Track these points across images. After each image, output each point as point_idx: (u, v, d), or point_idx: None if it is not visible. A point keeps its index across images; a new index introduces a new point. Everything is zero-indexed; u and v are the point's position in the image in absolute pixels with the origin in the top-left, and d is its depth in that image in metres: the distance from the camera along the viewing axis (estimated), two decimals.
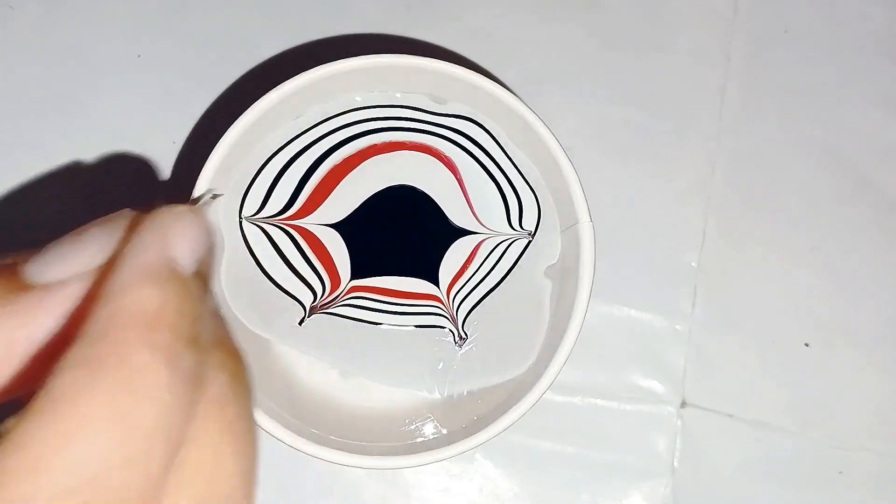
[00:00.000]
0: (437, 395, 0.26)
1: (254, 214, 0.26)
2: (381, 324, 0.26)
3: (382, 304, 0.26)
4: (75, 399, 0.11)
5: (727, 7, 0.32)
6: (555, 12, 0.32)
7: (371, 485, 0.29)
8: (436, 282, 0.26)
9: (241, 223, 0.26)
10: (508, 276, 0.26)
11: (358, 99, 0.26)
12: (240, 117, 0.24)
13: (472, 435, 0.24)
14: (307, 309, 0.26)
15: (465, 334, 0.26)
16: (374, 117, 0.26)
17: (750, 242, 0.31)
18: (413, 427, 0.26)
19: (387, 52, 0.25)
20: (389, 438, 0.25)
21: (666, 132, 0.31)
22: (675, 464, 0.29)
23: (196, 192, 0.24)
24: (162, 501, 0.11)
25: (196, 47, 0.31)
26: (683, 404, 0.30)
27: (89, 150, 0.30)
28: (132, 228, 0.13)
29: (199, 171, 0.24)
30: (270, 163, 0.26)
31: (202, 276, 0.13)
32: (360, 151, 0.26)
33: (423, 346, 0.26)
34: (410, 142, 0.26)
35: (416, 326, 0.26)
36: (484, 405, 0.25)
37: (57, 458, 0.10)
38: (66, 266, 0.13)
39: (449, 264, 0.26)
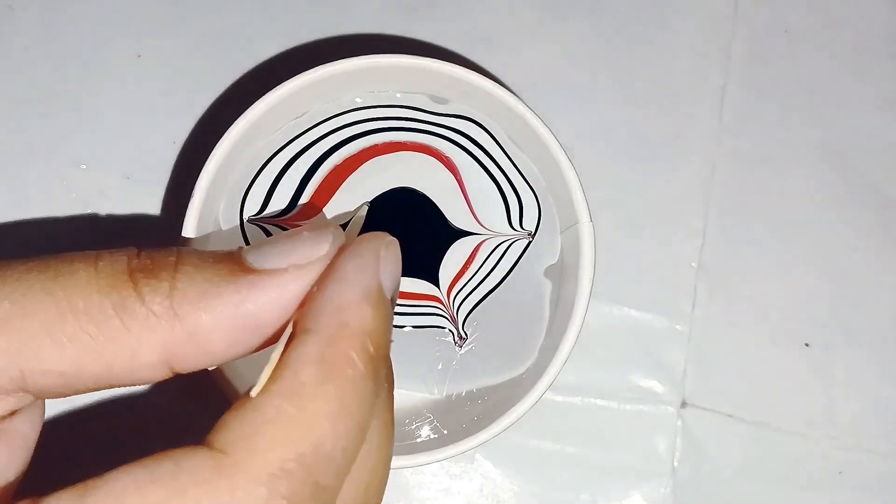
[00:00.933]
0: (437, 395, 0.26)
1: (255, 215, 0.26)
2: None
3: None
4: (315, 390, 0.14)
5: (727, 7, 0.32)
6: (555, 12, 0.32)
7: None
8: (436, 282, 0.26)
9: (242, 223, 0.26)
10: (508, 277, 0.26)
11: (358, 99, 0.26)
12: (240, 117, 0.24)
13: (472, 435, 0.24)
14: None
15: (465, 334, 0.26)
16: (374, 117, 0.26)
17: (750, 242, 0.31)
18: (413, 427, 0.26)
19: (387, 52, 0.25)
20: None
21: (666, 132, 0.31)
22: (675, 464, 0.29)
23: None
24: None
25: (196, 47, 0.31)
26: (683, 404, 0.30)
27: (89, 150, 0.30)
28: (341, 249, 0.16)
29: (200, 172, 0.24)
30: (271, 163, 0.26)
31: (393, 302, 0.16)
32: (360, 152, 0.26)
33: (423, 346, 0.26)
34: (410, 142, 0.26)
35: (416, 327, 0.26)
36: (484, 405, 0.26)
37: (298, 433, 0.14)
38: (284, 258, 0.16)
39: (449, 265, 0.26)
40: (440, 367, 0.26)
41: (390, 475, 0.29)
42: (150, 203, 0.30)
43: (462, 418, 0.25)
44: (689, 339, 0.30)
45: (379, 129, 0.26)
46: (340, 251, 0.16)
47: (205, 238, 0.24)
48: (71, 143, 0.30)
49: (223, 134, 0.24)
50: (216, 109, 0.30)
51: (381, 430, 0.16)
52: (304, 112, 0.26)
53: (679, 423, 0.30)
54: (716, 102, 0.31)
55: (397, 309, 0.26)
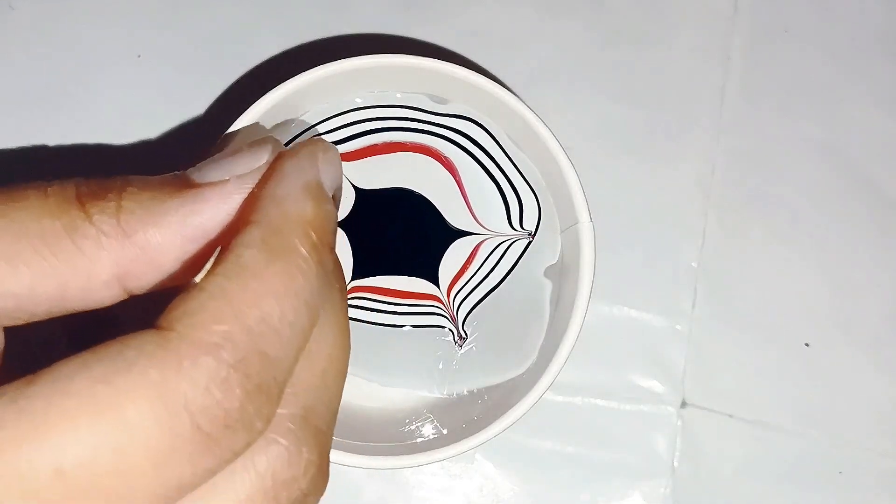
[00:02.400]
0: (437, 395, 0.26)
1: None
2: (381, 324, 0.26)
3: (382, 304, 0.26)
4: (258, 270, 0.14)
5: (727, 6, 0.32)
6: (555, 12, 0.32)
7: (371, 485, 0.29)
8: (436, 282, 0.26)
9: None
10: (508, 277, 0.26)
11: (358, 99, 0.26)
12: (240, 117, 0.24)
13: (472, 435, 0.24)
14: None
15: (465, 334, 0.26)
16: (374, 117, 0.26)
17: (750, 242, 0.31)
18: (413, 427, 0.26)
19: (387, 52, 0.25)
20: (389, 438, 0.25)
21: (666, 131, 0.31)
22: (675, 464, 0.29)
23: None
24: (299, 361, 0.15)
25: (196, 47, 0.31)
26: (683, 404, 0.30)
27: (89, 150, 0.30)
28: (279, 155, 0.17)
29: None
30: None
31: (335, 199, 0.17)
32: (359, 151, 0.26)
33: (423, 346, 0.26)
34: (410, 142, 0.26)
35: (416, 326, 0.26)
36: (484, 405, 0.26)
37: (242, 306, 0.14)
38: (225, 170, 0.16)
39: (449, 264, 0.26)
40: (440, 366, 0.26)
41: (390, 474, 0.29)
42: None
43: (462, 418, 0.25)
44: (688, 339, 0.30)
45: (378, 129, 0.26)
46: (279, 157, 0.17)
47: None
48: (71, 143, 0.30)
49: (223, 134, 0.24)
50: (216, 109, 0.30)
51: (334, 320, 0.16)
52: (304, 112, 0.26)
53: (679, 423, 0.30)
54: (716, 102, 0.31)
55: (397, 308, 0.26)
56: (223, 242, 0.16)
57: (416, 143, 0.26)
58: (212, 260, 0.15)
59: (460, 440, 0.24)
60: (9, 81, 0.30)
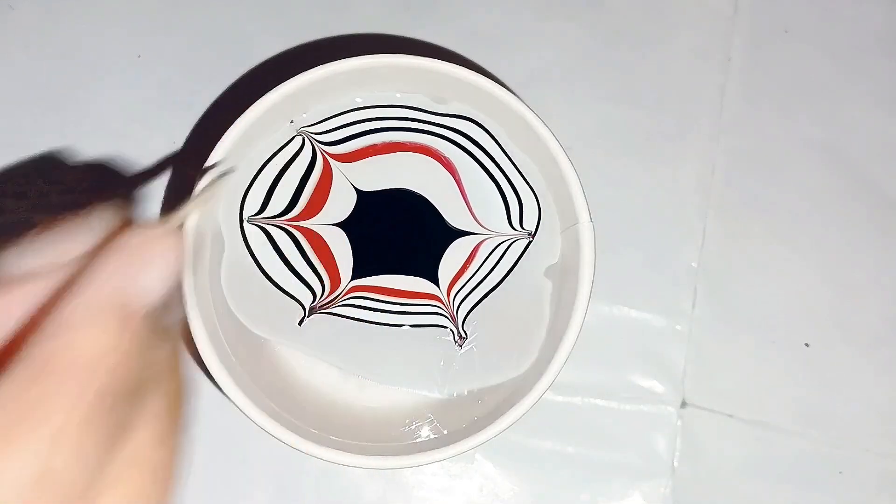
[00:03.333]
0: (437, 395, 0.26)
1: (255, 215, 0.26)
2: (381, 323, 0.26)
3: (382, 304, 0.26)
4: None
5: (727, 6, 0.32)
6: (555, 12, 0.32)
7: (371, 485, 0.29)
8: (436, 281, 0.26)
9: (241, 223, 0.26)
10: (508, 276, 0.26)
11: (358, 99, 0.26)
12: (240, 117, 0.24)
13: (472, 435, 0.24)
14: (307, 309, 0.26)
15: (465, 334, 0.26)
16: (374, 117, 0.26)
17: (750, 242, 0.31)
18: (413, 427, 0.26)
19: (387, 52, 0.25)
20: (389, 438, 0.25)
21: (666, 132, 0.31)
22: (675, 464, 0.29)
23: (199, 185, 0.23)
24: None
25: (196, 47, 0.31)
26: (683, 404, 0.30)
27: (89, 150, 0.30)
28: (112, 235, 0.13)
29: (199, 171, 0.24)
30: (271, 163, 0.26)
31: (165, 308, 0.13)
32: (359, 151, 0.26)
33: (423, 346, 0.26)
34: (410, 142, 0.26)
35: (416, 326, 0.26)
36: (484, 405, 0.25)
37: None
38: (38, 258, 0.13)
39: (449, 264, 0.26)
40: (440, 366, 0.26)
41: (390, 474, 0.29)
42: (150, 203, 0.30)
43: (462, 418, 0.25)
44: (689, 339, 0.30)
45: (378, 128, 0.26)
46: (99, 248, 0.13)
47: (203, 238, 0.24)
48: (71, 143, 0.30)
49: (223, 134, 0.24)
50: (216, 109, 0.30)
51: (135, 447, 0.12)
52: (304, 112, 0.26)
53: (679, 423, 0.30)
54: (716, 102, 0.31)
55: (397, 308, 0.26)
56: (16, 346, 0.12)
57: (415, 143, 0.26)
58: None
59: (460, 440, 0.24)
60: (9, 81, 0.30)
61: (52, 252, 0.13)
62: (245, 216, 0.26)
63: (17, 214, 0.29)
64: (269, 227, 0.26)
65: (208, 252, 0.25)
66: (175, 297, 0.13)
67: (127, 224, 0.13)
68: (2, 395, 0.11)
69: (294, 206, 0.26)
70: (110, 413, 0.11)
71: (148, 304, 0.13)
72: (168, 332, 0.13)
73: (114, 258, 0.13)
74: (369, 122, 0.26)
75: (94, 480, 0.11)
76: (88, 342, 0.11)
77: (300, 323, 0.26)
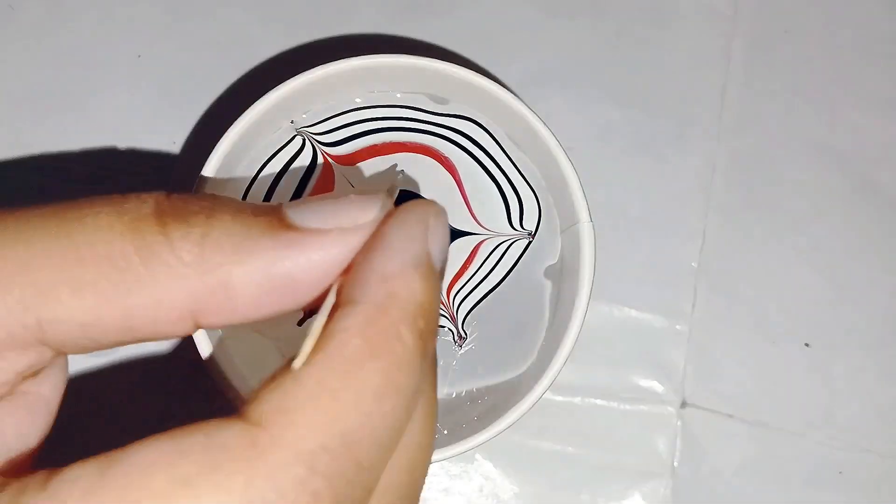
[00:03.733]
0: (436, 395, 0.26)
1: None
2: None
3: None
4: (361, 364, 0.13)
5: (727, 7, 0.32)
6: (556, 12, 0.32)
7: None
8: None
9: None
10: (508, 276, 0.26)
11: (358, 99, 0.26)
12: (240, 117, 0.24)
13: (472, 435, 0.24)
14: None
15: (465, 334, 0.26)
16: (374, 117, 0.26)
17: (750, 242, 0.31)
18: None
19: (387, 52, 0.25)
20: None
21: (666, 132, 0.31)
22: (675, 464, 0.29)
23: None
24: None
25: (196, 47, 0.31)
26: (683, 404, 0.30)
27: (89, 150, 0.30)
28: (388, 215, 0.15)
29: (200, 172, 0.24)
30: (271, 163, 0.26)
31: (442, 272, 0.15)
32: (359, 151, 0.26)
33: None
34: (410, 142, 0.26)
35: None
36: (484, 405, 0.25)
37: (342, 409, 0.13)
38: (329, 219, 0.15)
39: (449, 264, 0.26)
40: (440, 366, 0.26)
41: None
42: None
43: (462, 418, 0.25)
44: (689, 339, 0.30)
45: (378, 129, 0.26)
46: (386, 219, 0.15)
47: None
48: (71, 143, 0.30)
49: (224, 134, 0.24)
50: (216, 109, 0.30)
51: (426, 408, 0.15)
52: (304, 112, 0.26)
53: (679, 423, 0.30)
54: (716, 102, 0.31)
55: None
56: (308, 295, 0.14)
57: (416, 144, 0.26)
58: (311, 340, 0.13)
59: (460, 440, 0.24)
60: (9, 81, 0.30)
61: (339, 216, 0.15)
62: None
63: None
64: None
65: None
66: (447, 261, 0.16)
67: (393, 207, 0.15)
68: (359, 321, 0.13)
69: None
70: (430, 346, 0.14)
71: (438, 265, 0.15)
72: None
73: (413, 225, 0.15)
74: (369, 123, 0.26)
75: (417, 400, 0.14)
76: (416, 287, 0.14)
77: (300, 323, 0.26)
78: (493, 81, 0.25)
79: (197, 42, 0.31)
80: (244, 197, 0.26)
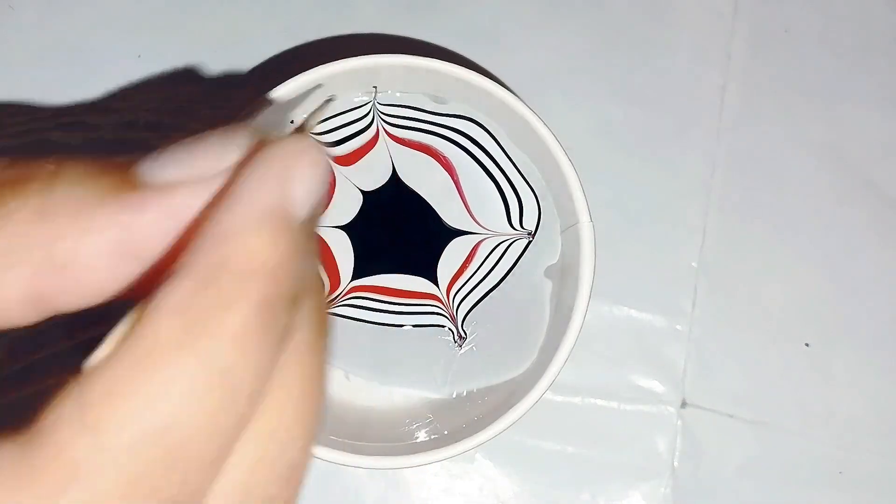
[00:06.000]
0: (437, 395, 0.26)
1: None
2: (380, 323, 0.26)
3: (382, 304, 0.26)
4: (176, 352, 0.11)
5: (727, 7, 0.32)
6: (555, 12, 0.32)
7: (371, 485, 0.29)
8: (434, 280, 0.26)
9: None
10: (508, 276, 0.26)
11: (358, 99, 0.26)
12: (240, 117, 0.24)
13: (472, 435, 0.24)
14: None
15: (465, 334, 0.26)
16: (374, 117, 0.26)
17: (750, 242, 0.31)
18: (413, 427, 0.26)
19: (387, 52, 0.25)
20: (389, 438, 0.25)
21: (666, 132, 0.31)
22: (675, 464, 0.29)
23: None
24: (228, 459, 0.11)
25: (196, 47, 0.31)
26: (683, 404, 0.30)
27: (89, 151, 0.30)
28: (253, 151, 0.13)
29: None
30: None
31: (312, 221, 0.13)
32: (358, 150, 0.26)
33: (422, 346, 0.26)
34: (410, 141, 0.26)
35: (416, 326, 0.26)
36: (484, 405, 0.25)
37: (142, 401, 0.10)
38: (181, 169, 0.13)
39: (448, 264, 0.26)
40: (440, 366, 0.26)
41: (391, 474, 0.29)
42: None
43: (462, 418, 0.25)
44: (689, 339, 0.30)
45: (378, 128, 0.26)
46: (243, 162, 0.12)
47: None
48: (71, 143, 0.30)
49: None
50: (216, 109, 0.30)
51: (291, 391, 0.12)
52: (304, 112, 0.26)
53: (679, 422, 0.30)
54: (716, 102, 0.31)
55: (397, 308, 0.26)
56: (171, 258, 0.12)
57: (415, 143, 0.26)
58: (119, 328, 0.11)
59: (460, 440, 0.24)
60: (9, 82, 0.30)
61: (195, 165, 0.13)
62: None
63: None
64: None
65: None
66: (320, 208, 0.13)
67: (263, 141, 0.13)
68: (178, 299, 0.11)
69: None
70: (279, 317, 0.12)
71: (302, 214, 0.12)
72: (314, 243, 0.13)
73: (266, 169, 0.12)
74: (369, 122, 0.26)
75: (264, 382, 0.12)
76: (256, 248, 0.11)
77: None
78: (493, 81, 0.25)
79: (197, 42, 0.31)
80: None
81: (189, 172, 0.13)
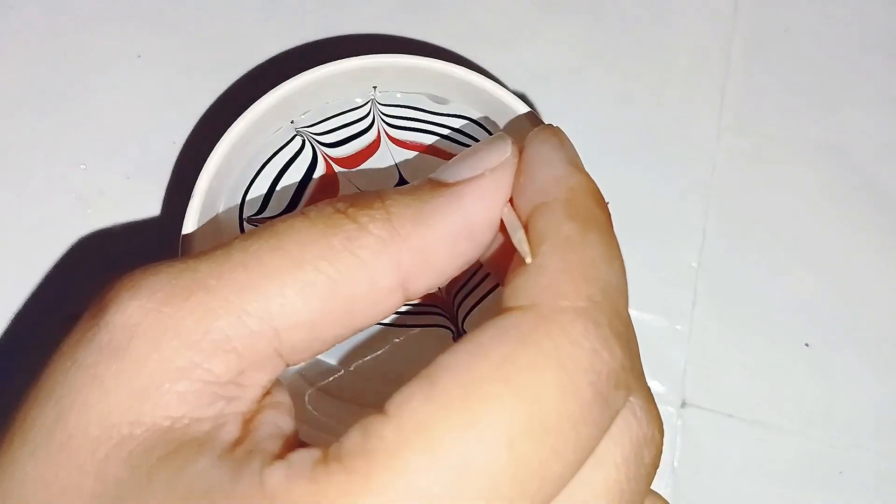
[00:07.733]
0: None
1: (255, 215, 0.26)
2: (380, 323, 0.26)
3: None
4: (581, 240, 0.16)
5: (727, 6, 0.32)
6: (555, 12, 0.32)
7: None
8: None
9: (241, 223, 0.26)
10: None
11: (358, 99, 0.26)
12: (240, 117, 0.24)
13: None
14: None
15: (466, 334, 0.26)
16: (375, 117, 0.26)
17: (750, 242, 0.31)
18: None
19: (387, 52, 0.25)
20: None
21: (666, 132, 0.31)
22: (675, 464, 0.29)
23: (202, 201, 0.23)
24: None
25: (196, 47, 0.31)
26: (683, 404, 0.30)
27: (89, 150, 0.30)
28: (526, 144, 0.17)
29: (200, 172, 0.24)
30: (270, 163, 0.26)
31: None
32: (359, 152, 0.26)
33: (423, 346, 0.26)
34: (410, 142, 0.26)
35: (416, 326, 0.26)
36: None
37: (589, 273, 0.15)
38: (475, 167, 0.17)
39: None
40: None
41: None
42: (150, 203, 0.30)
43: None
44: (689, 339, 0.30)
45: (379, 129, 0.26)
46: (527, 147, 0.17)
47: (205, 237, 0.24)
48: (71, 143, 0.30)
49: (223, 134, 0.24)
50: (216, 109, 0.30)
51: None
52: (304, 112, 0.26)
53: (679, 423, 0.30)
54: (716, 102, 0.31)
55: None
56: (487, 235, 0.16)
57: (416, 143, 0.26)
58: (525, 245, 0.15)
59: None
60: (9, 81, 0.30)
61: (478, 165, 0.17)
62: (245, 216, 0.26)
63: (16, 215, 0.29)
64: None
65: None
66: None
67: (515, 138, 0.18)
68: (555, 218, 0.16)
69: (295, 207, 0.26)
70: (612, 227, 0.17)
71: (582, 166, 0.18)
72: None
73: (550, 140, 0.17)
74: (369, 122, 0.26)
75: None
76: (583, 180, 0.17)
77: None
78: (493, 81, 0.25)
79: (197, 41, 0.31)
80: (244, 197, 0.26)
81: (482, 167, 0.17)
